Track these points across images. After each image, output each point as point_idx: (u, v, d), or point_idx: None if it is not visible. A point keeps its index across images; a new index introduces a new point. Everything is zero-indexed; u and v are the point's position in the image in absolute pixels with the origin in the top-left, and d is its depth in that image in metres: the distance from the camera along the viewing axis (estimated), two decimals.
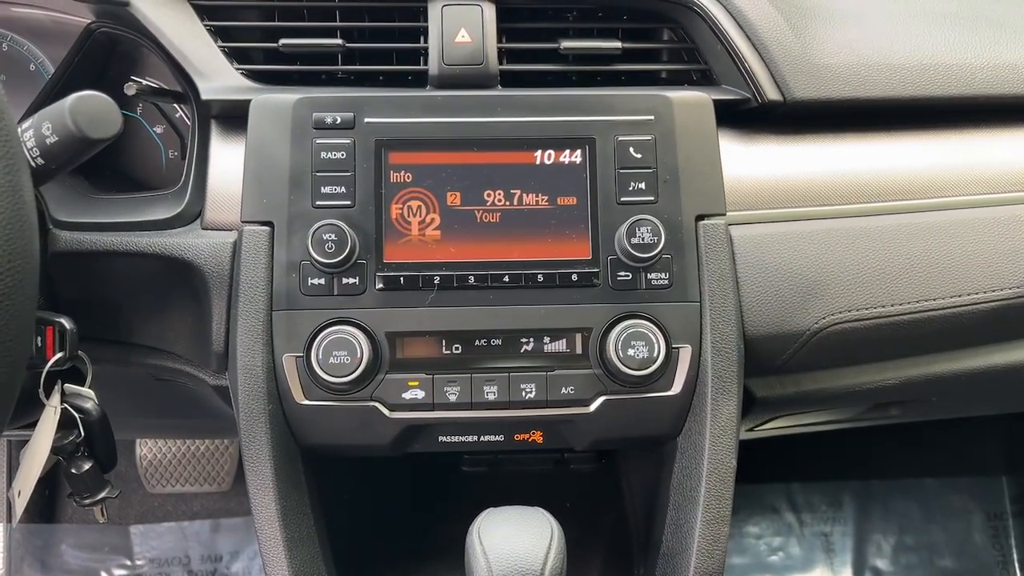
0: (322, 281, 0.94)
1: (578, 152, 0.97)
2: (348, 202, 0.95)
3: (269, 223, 0.93)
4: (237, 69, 1.02)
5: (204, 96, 0.99)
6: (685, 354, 0.96)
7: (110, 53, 1.21)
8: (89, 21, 1.17)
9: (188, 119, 1.08)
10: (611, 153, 0.96)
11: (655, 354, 0.94)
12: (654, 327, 0.95)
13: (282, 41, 1.03)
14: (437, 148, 0.95)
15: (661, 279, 0.96)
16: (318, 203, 0.94)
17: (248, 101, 0.95)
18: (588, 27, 1.06)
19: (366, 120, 0.96)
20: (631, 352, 0.94)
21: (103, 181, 1.22)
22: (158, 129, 1.30)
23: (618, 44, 1.06)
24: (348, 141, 0.95)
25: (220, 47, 1.03)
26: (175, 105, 1.27)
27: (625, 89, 1.02)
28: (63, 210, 0.98)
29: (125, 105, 1.26)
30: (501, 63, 1.03)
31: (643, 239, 0.95)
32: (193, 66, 1.01)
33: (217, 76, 1.01)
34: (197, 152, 1.02)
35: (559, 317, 0.94)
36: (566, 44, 1.06)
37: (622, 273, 0.96)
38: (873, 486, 2.37)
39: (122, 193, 1.04)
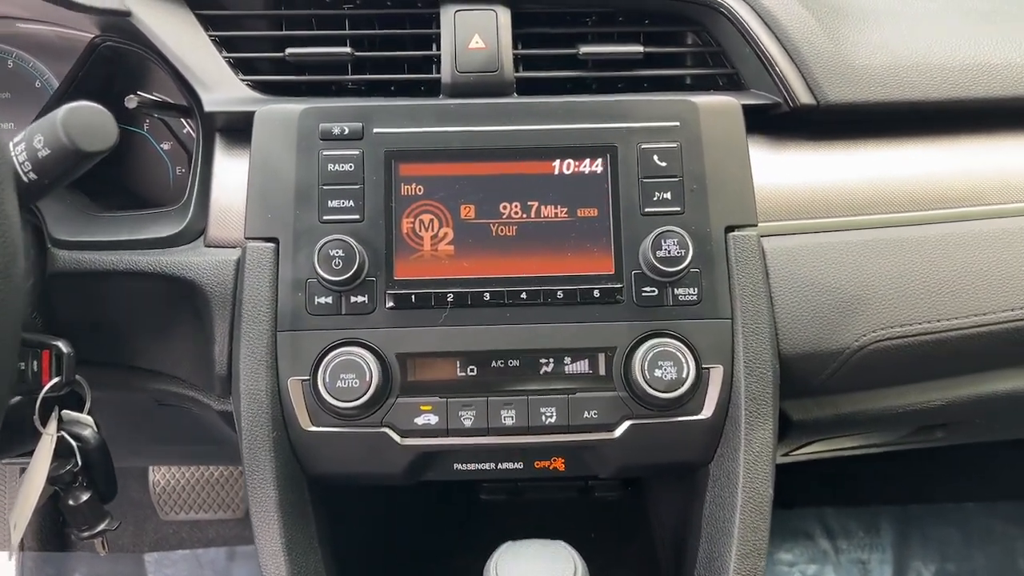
0: (329, 300, 0.90)
1: (599, 161, 0.93)
2: (356, 216, 0.91)
3: (274, 239, 0.90)
4: (242, 80, 0.99)
5: (207, 108, 0.96)
6: (716, 375, 0.90)
7: (115, 68, 1.18)
8: (93, 35, 1.16)
9: (195, 134, 1.05)
10: (634, 162, 0.92)
11: (684, 375, 0.88)
12: (682, 346, 0.89)
13: (288, 51, 1.00)
14: (450, 159, 0.91)
15: (689, 295, 0.91)
16: (325, 218, 0.90)
17: (253, 113, 0.92)
18: (607, 31, 1.02)
19: (375, 130, 0.92)
20: (658, 373, 0.88)
21: (108, 199, 1.18)
22: (165, 146, 1.26)
23: (639, 48, 1.02)
24: (356, 152, 0.92)
25: (225, 58, 0.99)
26: (182, 120, 1.24)
27: (648, 95, 0.98)
28: (63, 228, 0.95)
29: (131, 121, 1.24)
30: (517, 70, 0.99)
31: (669, 252, 0.89)
32: (196, 77, 0.98)
33: (221, 87, 0.98)
34: (201, 167, 0.99)
35: (581, 336, 0.90)
36: (585, 49, 1.02)
37: (647, 288, 0.91)
38: (911, 511, 2.26)
39: (126, 211, 1.02)
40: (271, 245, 0.90)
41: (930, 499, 2.28)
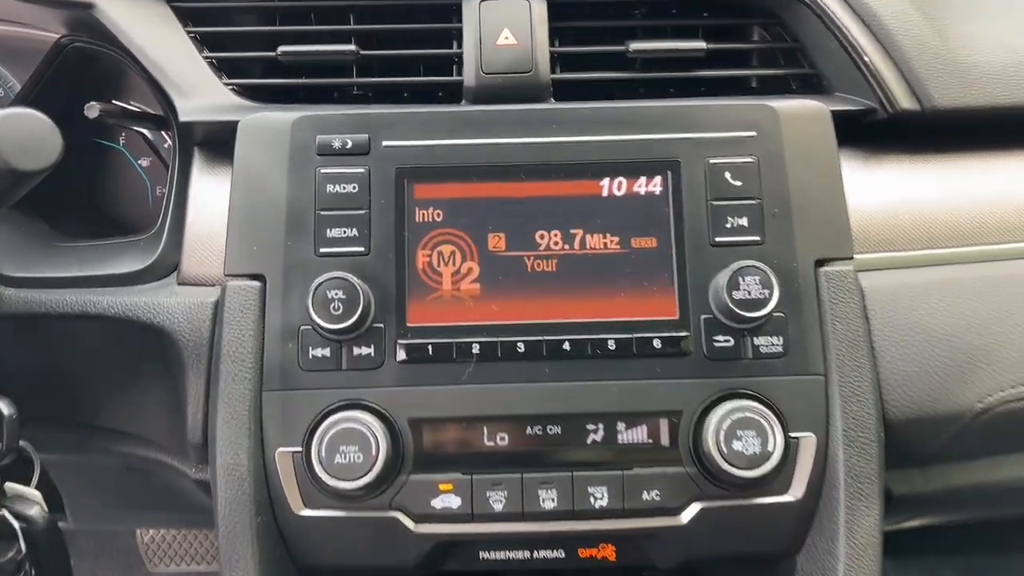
0: (327, 352, 0.78)
1: (657, 179, 0.82)
2: (361, 248, 0.80)
3: (260, 277, 0.80)
4: (226, 84, 0.89)
5: (183, 117, 0.86)
6: (808, 446, 0.78)
7: (86, 72, 1.05)
8: (60, 35, 1.03)
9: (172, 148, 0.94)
10: (701, 180, 0.81)
11: (769, 447, 0.75)
12: (766, 410, 0.77)
13: (281, 49, 0.90)
14: (475, 177, 0.81)
15: (773, 345, 0.79)
16: (323, 250, 0.80)
17: (237, 122, 0.82)
18: (660, 25, 0.93)
19: (384, 143, 0.82)
20: (737, 445, 0.75)
21: (75, 225, 1.05)
22: (143, 162, 1.13)
23: (702, 45, 0.91)
24: (361, 170, 0.81)
25: (206, 58, 0.90)
26: (163, 133, 1.10)
27: (716, 100, 0.88)
28: (12, 262, 0.87)
29: (105, 134, 1.11)
30: (554, 71, 0.89)
31: (749, 292, 0.77)
32: (171, 81, 0.90)
33: (200, 93, 0.88)
34: (176, 188, 0.90)
35: (638, 397, 0.78)
36: (636, 46, 0.91)
37: (721, 337, 0.79)
38: (977, 562, 2.06)
39: (98, 239, 0.98)
40: (256, 284, 0.80)
41: (998, 550, 2.07)
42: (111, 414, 0.91)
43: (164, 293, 0.83)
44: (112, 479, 1.09)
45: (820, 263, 0.80)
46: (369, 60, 0.91)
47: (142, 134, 1.10)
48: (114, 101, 1.05)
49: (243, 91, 0.90)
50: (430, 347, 0.79)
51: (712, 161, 0.82)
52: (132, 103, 1.08)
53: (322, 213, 0.81)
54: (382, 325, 0.78)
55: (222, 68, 0.90)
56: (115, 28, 0.91)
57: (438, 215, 0.81)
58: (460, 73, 0.89)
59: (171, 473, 0.91)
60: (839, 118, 0.85)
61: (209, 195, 0.87)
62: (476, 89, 0.88)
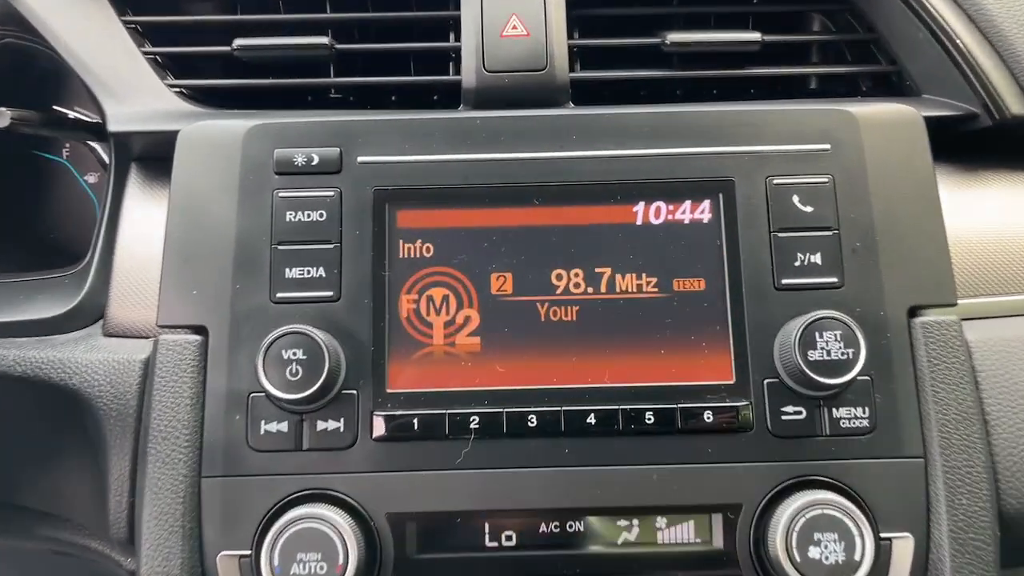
0: (283, 427, 0.68)
1: (706, 204, 0.72)
2: (329, 293, 0.70)
3: (201, 329, 0.70)
4: (170, 86, 0.80)
5: (113, 126, 0.78)
6: (904, 551, 0.67)
7: (23, 73, 0.92)
8: None
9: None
10: (761, 205, 0.72)
11: (856, 555, 0.64)
12: (850, 504, 0.66)
13: (238, 42, 0.81)
14: (474, 202, 0.72)
15: (858, 419, 0.68)
16: (280, 295, 0.70)
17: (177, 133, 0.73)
18: (701, 12, 0.85)
19: (360, 159, 0.72)
20: (814, 552, 0.64)
21: (9, 252, 0.92)
22: (90, 178, 1.00)
23: (756, 36, 0.81)
24: (331, 193, 0.72)
25: (147, 54, 0.80)
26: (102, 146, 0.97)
27: (776, 104, 0.79)
28: None
29: (47, 146, 0.99)
30: (573, 68, 0.80)
31: (827, 351, 0.66)
32: (100, 81, 0.79)
33: (137, 96, 0.78)
34: (109, 213, 0.81)
35: (683, 486, 0.68)
36: (674, 38, 0.81)
37: (790, 408, 0.68)
38: None
39: (31, 271, 0.86)
40: (195, 339, 0.70)
41: None
42: (32, 492, 0.80)
43: (84, 347, 0.73)
44: (39, 565, 0.93)
45: (914, 311, 0.70)
46: (348, 56, 0.82)
47: (89, 145, 0.99)
48: (55, 107, 0.95)
49: (191, 94, 0.80)
50: (416, 420, 0.68)
51: (775, 181, 0.72)
52: (77, 109, 0.96)
53: (280, 248, 0.71)
54: (355, 392, 0.68)
55: (166, 66, 0.81)
56: (32, 16, 0.79)
57: (428, 250, 0.71)
58: (458, 71, 0.80)
59: (101, 558, 0.81)
60: (931, 127, 0.75)
61: (145, 224, 0.77)
62: (477, 91, 0.79)
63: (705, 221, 0.71)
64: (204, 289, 0.70)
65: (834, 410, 0.68)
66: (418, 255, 0.70)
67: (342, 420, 0.67)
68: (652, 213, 0.71)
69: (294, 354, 0.65)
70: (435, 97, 0.83)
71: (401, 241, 0.70)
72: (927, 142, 0.72)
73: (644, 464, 0.67)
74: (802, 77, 0.87)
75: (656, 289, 0.70)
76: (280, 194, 0.71)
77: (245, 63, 0.82)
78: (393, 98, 0.84)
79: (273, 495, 0.66)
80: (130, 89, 0.78)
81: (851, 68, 0.84)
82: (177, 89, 0.80)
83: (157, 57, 0.81)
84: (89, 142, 0.97)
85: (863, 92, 0.85)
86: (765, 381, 0.68)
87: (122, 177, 0.80)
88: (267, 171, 0.71)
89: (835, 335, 0.65)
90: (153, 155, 0.79)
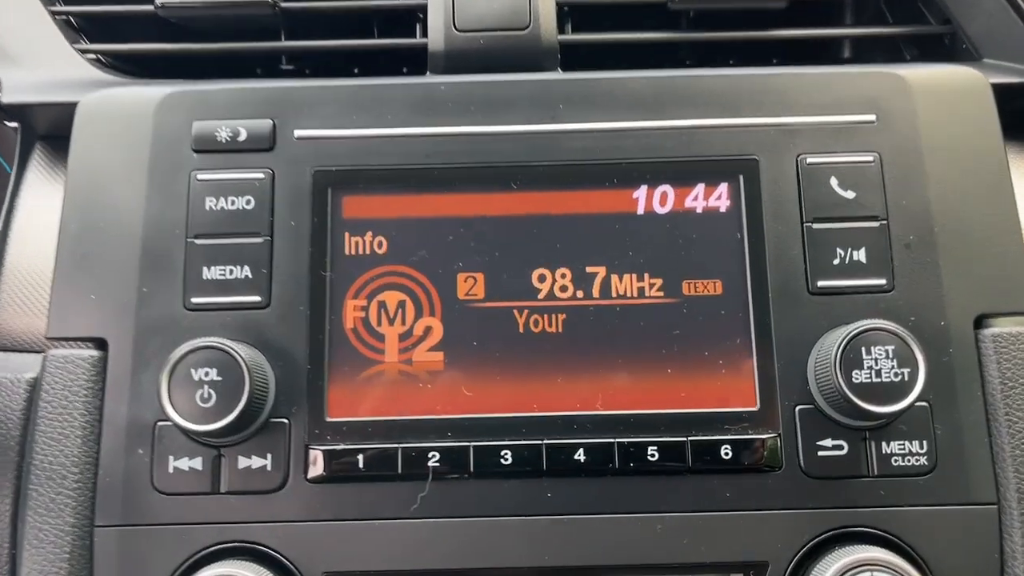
0: (197, 464, 0.59)
1: (723, 188, 0.63)
2: (256, 298, 0.61)
3: (99, 342, 0.62)
4: (82, 51, 0.72)
5: (6, 96, 0.71)
6: None
7: None
8: None
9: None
10: (792, 190, 0.63)
11: None
12: (904, 563, 0.56)
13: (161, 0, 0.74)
14: (438, 186, 0.63)
15: (914, 456, 0.58)
16: (196, 300, 0.62)
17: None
18: None
19: (297, 134, 0.64)
20: None
21: None
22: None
23: None
24: (260, 175, 0.63)
25: (55, 13, 0.72)
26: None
27: (807, 68, 0.69)
28: None
29: None
30: (563, 30, 0.73)
31: (876, 371, 0.57)
32: None
33: (40, 62, 0.70)
34: (9, 200, 0.71)
35: (695, 539, 0.59)
36: None
37: (828, 443, 0.59)
38: None
39: None
40: (92, 354, 0.62)
41: None
42: None
43: None
44: None
45: (982, 321, 0.62)
46: (301, 20, 0.74)
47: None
48: None
49: (111, 62, 0.73)
50: (362, 456, 0.60)
51: (809, 160, 0.63)
52: None
53: (197, 243, 0.62)
54: (286, 421, 0.60)
55: (77, 27, 0.74)
56: None
57: (380, 245, 0.62)
58: (425, 34, 0.73)
59: None
60: (996, 97, 0.66)
61: (44, 214, 0.69)
62: (447, 54, 0.70)
63: (722, 210, 0.62)
64: (104, 294, 0.61)
65: (884, 444, 0.59)
66: (368, 251, 0.62)
67: (269, 456, 0.59)
68: (656, 200, 0.62)
69: (206, 374, 0.56)
70: (405, 70, 0.75)
71: (347, 234, 0.62)
72: (996, 113, 0.63)
73: (646, 512, 0.59)
74: (835, 41, 0.80)
75: (661, 293, 0.61)
76: (199, 176, 0.63)
77: (185, 28, 0.73)
78: (356, 70, 0.77)
79: (184, 549, 0.58)
80: (32, 54, 0.70)
81: (895, 29, 0.75)
82: (92, 55, 0.71)
83: (69, 18, 0.73)
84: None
85: (907, 61, 0.76)
86: (797, 408, 0.59)
87: (24, 160, 0.71)
88: (183, 149, 0.63)
89: (886, 351, 0.56)
90: (64, 134, 0.69)
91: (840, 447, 0.58)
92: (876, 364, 0.56)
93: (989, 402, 0.59)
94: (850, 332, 0.56)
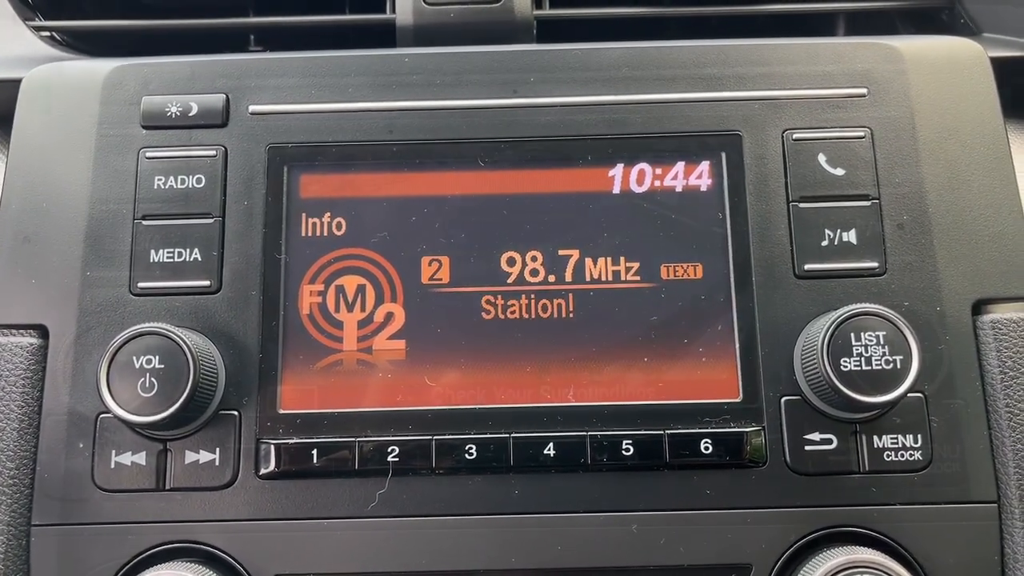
0: (140, 459, 0.57)
1: (704, 166, 0.61)
2: (206, 282, 0.59)
3: (39, 328, 0.60)
4: (33, 28, 0.71)
5: None
6: None
7: None
8: None
9: None
10: (776, 166, 0.61)
11: None
12: (897, 566, 0.53)
13: None
14: (400, 164, 0.61)
15: (908, 451, 0.56)
16: (143, 285, 0.60)
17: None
18: None
19: (252, 108, 0.62)
20: None
21: None
22: None
23: None
24: (213, 153, 0.61)
25: None
26: None
27: (796, 40, 0.66)
28: None
29: None
30: (540, 4, 0.71)
31: (866, 358, 0.54)
32: None
33: None
34: None
35: (673, 540, 0.56)
36: None
37: (816, 436, 0.56)
38: None
39: None
40: (31, 342, 0.60)
41: None
42: None
43: None
44: None
45: (981, 306, 0.59)
46: None
47: None
48: None
49: (64, 40, 0.71)
50: (316, 451, 0.57)
51: (796, 136, 0.61)
52: None
53: (145, 224, 0.60)
54: (236, 413, 0.58)
55: (35, 5, 0.72)
56: None
57: (338, 226, 0.60)
58: (394, 9, 0.71)
59: None
60: (998, 72, 0.64)
61: None
62: (416, 29, 0.69)
63: (703, 189, 0.60)
64: (45, 278, 0.59)
65: (876, 438, 0.56)
66: (325, 233, 0.59)
67: (218, 451, 0.56)
68: (633, 178, 0.60)
69: (148, 362, 0.53)
70: (375, 40, 0.73)
71: (304, 215, 0.60)
72: (994, 86, 0.60)
73: (620, 511, 0.56)
74: (828, 19, 0.77)
75: (638, 277, 0.59)
76: (148, 154, 0.61)
77: (151, 8, 0.72)
78: (324, 41, 0.74)
79: (126, 549, 0.56)
80: None
81: (891, 3, 0.73)
82: (47, 33, 0.69)
83: None
84: None
85: (899, 31, 0.75)
86: (783, 399, 0.57)
87: None
88: (132, 124, 0.61)
89: (877, 337, 0.53)
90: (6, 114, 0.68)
91: (829, 441, 0.56)
92: (866, 351, 0.54)
93: (988, 393, 0.56)
94: (838, 317, 0.53)
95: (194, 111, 0.59)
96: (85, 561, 0.55)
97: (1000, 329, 0.58)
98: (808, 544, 0.56)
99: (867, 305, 0.55)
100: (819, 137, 0.60)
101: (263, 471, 0.54)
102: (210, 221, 0.58)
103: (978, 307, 0.58)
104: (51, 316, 0.58)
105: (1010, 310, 0.57)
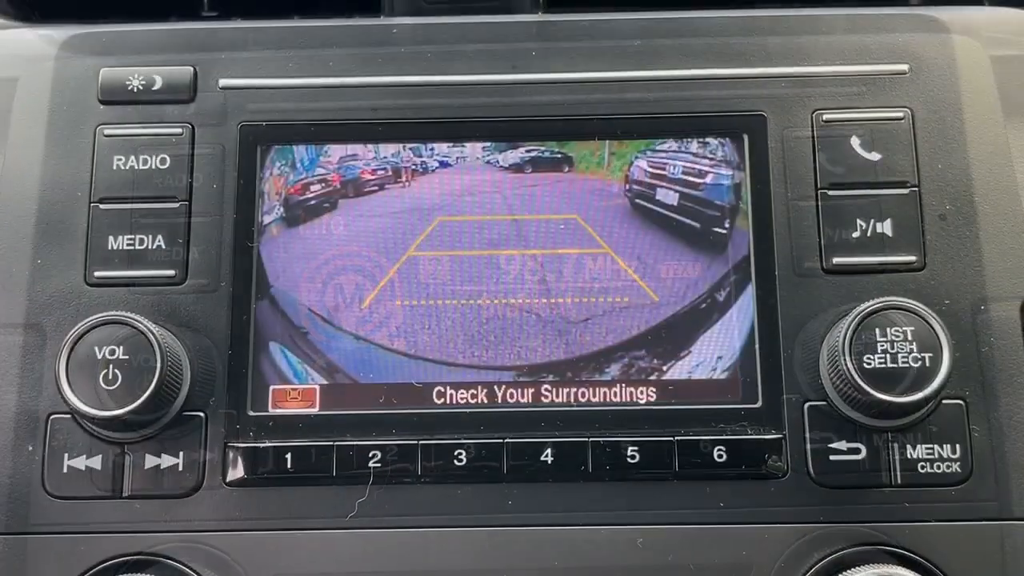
0: (96, 463, 0.60)
1: (724, 151, 0.64)
2: (171, 272, 0.65)
3: None
4: None
5: None
6: None
7: None
8: None
9: None
10: (805, 150, 0.64)
11: None
12: None
13: None
14: (387, 145, 0.66)
15: (945, 462, 0.59)
16: (100, 274, 0.65)
17: None
18: None
19: (222, 83, 0.68)
20: None
21: None
22: None
23: None
24: (179, 131, 0.66)
25: None
26: None
27: (822, 9, 0.71)
28: None
29: None
30: None
31: (891, 355, 0.57)
32: None
33: None
34: None
35: (683, 555, 0.59)
36: None
37: (843, 445, 0.60)
38: None
39: None
40: None
41: None
42: None
43: None
44: None
45: None
46: None
47: None
48: None
49: (19, 10, 0.77)
50: (290, 455, 0.62)
51: (826, 117, 0.67)
52: None
53: (103, 208, 0.66)
54: (202, 413, 0.63)
55: None
56: None
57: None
58: None
59: None
60: None
61: None
62: None
63: (722, 174, 0.65)
64: None
65: (909, 448, 0.61)
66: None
67: (181, 455, 0.63)
68: (644, 165, 0.65)
69: (112, 352, 0.59)
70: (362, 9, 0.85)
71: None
72: None
73: (624, 524, 0.62)
74: None
75: (646, 273, 0.63)
76: (106, 131, 0.68)
77: None
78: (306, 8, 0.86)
79: (80, 561, 0.62)
80: None
81: None
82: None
83: None
84: None
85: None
86: (806, 404, 0.63)
87: None
88: (89, 99, 0.69)
89: (904, 333, 0.59)
90: None
91: (857, 450, 0.62)
92: (892, 348, 0.60)
93: None
94: (862, 311, 0.61)
95: (158, 84, 0.68)
96: (33, 573, 0.62)
97: None
98: (833, 563, 0.60)
99: (893, 298, 0.61)
100: (852, 118, 0.67)
101: (231, 478, 0.64)
102: (175, 205, 0.66)
103: None
104: None
105: None
